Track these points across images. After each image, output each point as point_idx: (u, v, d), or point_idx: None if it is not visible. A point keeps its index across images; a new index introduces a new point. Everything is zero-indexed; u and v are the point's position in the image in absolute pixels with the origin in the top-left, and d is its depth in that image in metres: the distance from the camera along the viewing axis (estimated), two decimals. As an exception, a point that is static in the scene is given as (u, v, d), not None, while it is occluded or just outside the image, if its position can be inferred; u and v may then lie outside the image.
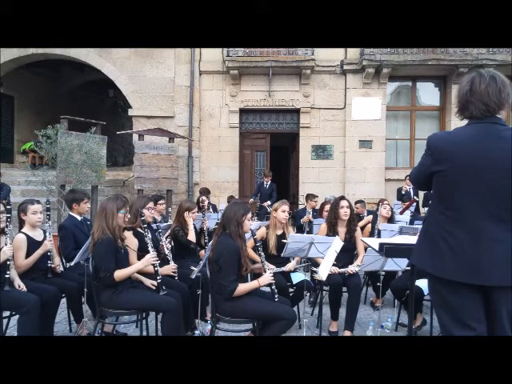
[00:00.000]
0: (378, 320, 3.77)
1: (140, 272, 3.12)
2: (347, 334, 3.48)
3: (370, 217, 5.33)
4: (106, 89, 12.58)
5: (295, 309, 3.56)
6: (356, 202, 6.29)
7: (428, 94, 9.86)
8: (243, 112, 9.63)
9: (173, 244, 3.89)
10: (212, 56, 9.30)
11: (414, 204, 6.95)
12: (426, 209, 6.48)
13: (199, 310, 3.53)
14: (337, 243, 3.34)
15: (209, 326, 3.29)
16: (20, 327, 2.81)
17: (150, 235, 3.04)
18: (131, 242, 3.21)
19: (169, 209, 5.82)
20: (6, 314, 3.05)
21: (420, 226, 2.08)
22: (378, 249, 2.38)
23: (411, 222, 5.20)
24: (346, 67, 9.23)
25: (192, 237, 3.94)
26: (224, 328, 2.94)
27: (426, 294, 3.33)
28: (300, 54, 8.93)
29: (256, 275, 3.22)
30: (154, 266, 2.95)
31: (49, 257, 3.29)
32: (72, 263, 3.48)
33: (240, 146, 9.62)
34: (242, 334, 3.04)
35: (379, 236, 4.51)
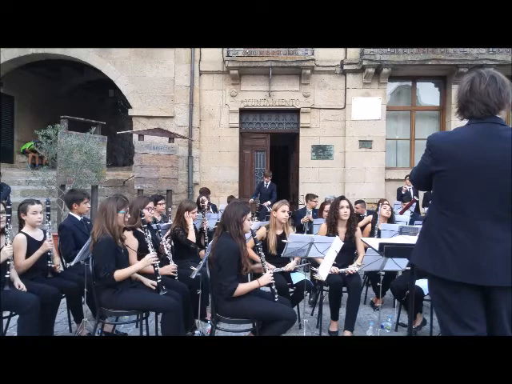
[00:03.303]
0: (378, 320, 3.77)
1: (140, 272, 3.12)
2: (347, 333, 3.48)
3: (370, 217, 5.33)
4: (105, 89, 12.58)
5: (295, 309, 3.56)
6: (356, 202, 6.28)
7: (428, 93, 9.86)
8: (243, 112, 9.63)
9: (173, 244, 3.89)
10: (212, 56, 9.30)
11: (414, 204, 6.96)
12: (426, 209, 6.47)
13: (199, 310, 3.53)
14: (337, 243, 3.33)
15: (209, 326, 3.29)
16: (20, 327, 2.81)
17: (149, 235, 3.04)
18: (131, 241, 3.21)
19: (169, 209, 5.81)
20: (6, 313, 3.05)
21: (420, 226, 2.08)
22: (378, 249, 2.38)
23: (411, 222, 5.20)
24: (346, 67, 9.22)
25: (192, 237, 3.94)
26: (224, 328, 2.94)
27: (426, 293, 3.33)
28: (300, 54, 8.92)
29: (256, 275, 3.22)
30: (154, 266, 2.95)
31: (49, 257, 3.29)
32: (72, 263, 3.48)
33: (240, 146, 9.62)
34: (242, 334, 3.04)
35: (379, 236, 4.51)
